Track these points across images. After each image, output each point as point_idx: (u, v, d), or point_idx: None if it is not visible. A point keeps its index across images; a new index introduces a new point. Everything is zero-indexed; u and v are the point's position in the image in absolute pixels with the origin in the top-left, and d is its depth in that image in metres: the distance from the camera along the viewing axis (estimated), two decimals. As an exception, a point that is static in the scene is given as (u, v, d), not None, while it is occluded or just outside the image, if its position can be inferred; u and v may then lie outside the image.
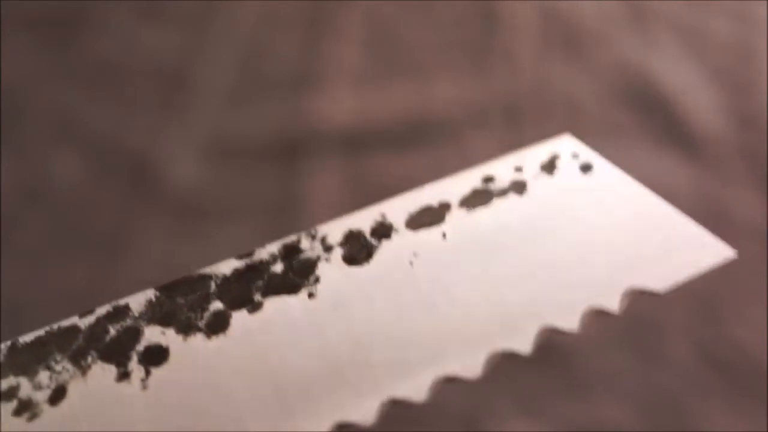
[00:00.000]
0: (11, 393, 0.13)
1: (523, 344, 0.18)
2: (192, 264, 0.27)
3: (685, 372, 0.26)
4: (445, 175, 0.31)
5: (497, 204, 0.16)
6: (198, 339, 0.14)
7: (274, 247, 0.15)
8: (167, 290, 0.14)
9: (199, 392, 0.13)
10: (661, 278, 0.14)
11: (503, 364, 0.26)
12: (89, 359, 0.13)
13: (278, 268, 0.15)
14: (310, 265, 0.15)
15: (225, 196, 0.31)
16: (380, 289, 0.14)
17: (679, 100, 0.36)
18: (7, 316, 0.26)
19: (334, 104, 0.36)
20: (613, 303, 0.14)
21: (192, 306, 0.14)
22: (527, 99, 0.36)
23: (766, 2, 0.42)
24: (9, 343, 0.13)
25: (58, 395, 0.13)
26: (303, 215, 0.30)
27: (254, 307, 0.14)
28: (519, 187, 0.16)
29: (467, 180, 0.17)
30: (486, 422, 0.24)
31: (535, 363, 0.26)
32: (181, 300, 0.14)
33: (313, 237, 0.15)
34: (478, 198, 0.16)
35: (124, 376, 0.13)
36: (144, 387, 0.13)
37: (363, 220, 0.16)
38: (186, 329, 0.14)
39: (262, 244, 0.28)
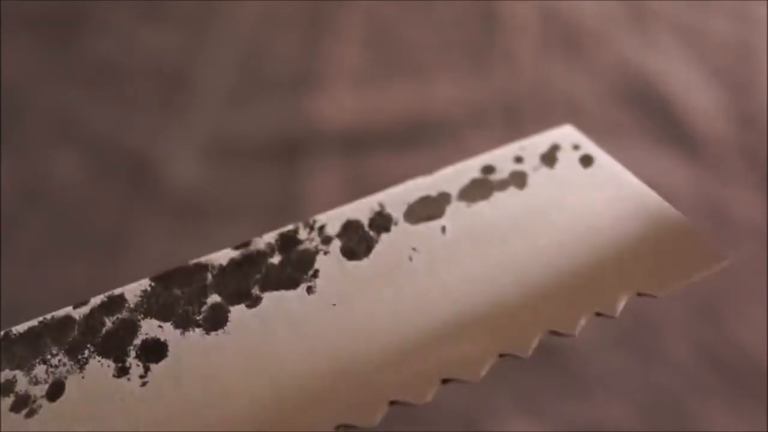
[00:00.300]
0: (9, 387, 0.13)
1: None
2: (192, 263, 0.27)
3: (684, 372, 0.26)
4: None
5: (497, 197, 0.16)
6: (196, 334, 0.13)
7: (270, 237, 0.15)
8: (162, 280, 0.14)
9: (198, 389, 0.13)
10: (660, 282, 0.14)
11: (503, 364, 0.26)
12: (86, 353, 0.13)
13: (276, 259, 0.15)
14: (309, 258, 0.15)
15: (225, 195, 0.31)
16: (380, 284, 0.14)
17: (679, 100, 0.36)
18: (7, 316, 0.26)
19: (334, 104, 0.36)
20: (611, 305, 0.14)
21: (189, 299, 0.14)
22: (527, 99, 0.36)
23: (766, 2, 0.42)
24: (2, 333, 0.13)
25: (56, 390, 0.13)
26: (303, 215, 0.30)
27: (253, 302, 0.14)
28: (519, 180, 0.16)
29: (466, 170, 0.16)
30: (486, 422, 0.24)
31: (535, 363, 0.26)
32: (177, 291, 0.14)
33: (311, 227, 0.15)
34: (477, 189, 0.16)
35: (122, 371, 0.13)
36: (143, 383, 0.13)
37: (361, 210, 0.16)
38: (184, 324, 0.14)
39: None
